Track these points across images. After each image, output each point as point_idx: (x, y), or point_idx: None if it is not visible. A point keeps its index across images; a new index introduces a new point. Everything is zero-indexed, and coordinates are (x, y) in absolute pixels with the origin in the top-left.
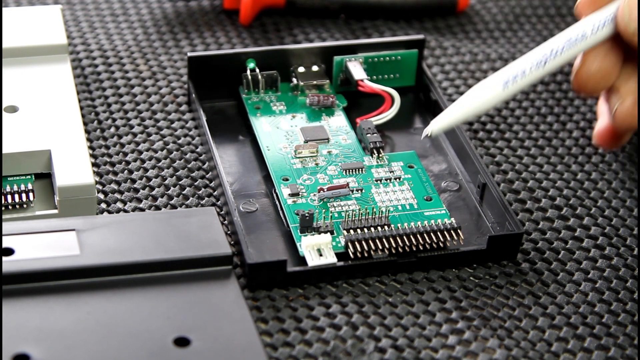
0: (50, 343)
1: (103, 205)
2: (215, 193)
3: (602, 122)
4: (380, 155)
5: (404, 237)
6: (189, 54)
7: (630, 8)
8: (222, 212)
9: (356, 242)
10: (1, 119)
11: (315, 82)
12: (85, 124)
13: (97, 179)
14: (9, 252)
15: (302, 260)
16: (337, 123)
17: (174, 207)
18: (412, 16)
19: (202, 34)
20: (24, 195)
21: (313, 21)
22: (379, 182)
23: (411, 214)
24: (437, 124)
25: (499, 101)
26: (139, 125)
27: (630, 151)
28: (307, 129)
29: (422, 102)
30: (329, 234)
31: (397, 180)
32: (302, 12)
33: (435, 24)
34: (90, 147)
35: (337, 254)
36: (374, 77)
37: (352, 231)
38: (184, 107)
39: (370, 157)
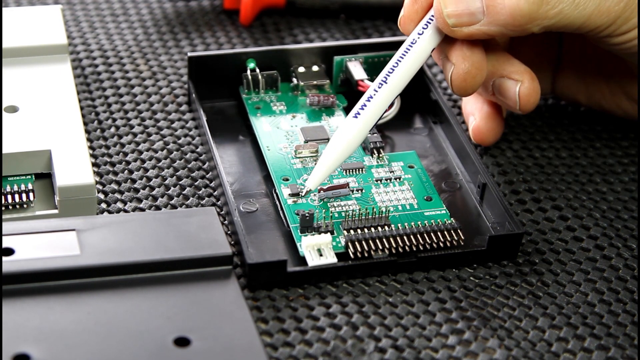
0: (50, 343)
1: (103, 205)
2: (216, 193)
3: (474, 120)
4: (381, 155)
5: (404, 237)
6: (189, 54)
7: (440, 3)
8: (222, 212)
9: (356, 242)
10: (1, 119)
11: (315, 82)
12: (85, 124)
13: (97, 179)
14: (9, 252)
15: (302, 260)
16: (337, 123)
17: (174, 207)
18: None
19: (202, 34)
20: (24, 195)
21: (313, 21)
22: (379, 182)
23: (411, 214)
24: (313, 181)
25: (361, 133)
26: (139, 125)
27: (631, 150)
28: (307, 129)
29: (422, 102)
30: (329, 234)
31: (397, 180)
32: (302, 12)
33: None
34: (91, 147)
35: (337, 254)
36: (374, 77)
37: (352, 231)
38: (184, 107)
39: (371, 157)
